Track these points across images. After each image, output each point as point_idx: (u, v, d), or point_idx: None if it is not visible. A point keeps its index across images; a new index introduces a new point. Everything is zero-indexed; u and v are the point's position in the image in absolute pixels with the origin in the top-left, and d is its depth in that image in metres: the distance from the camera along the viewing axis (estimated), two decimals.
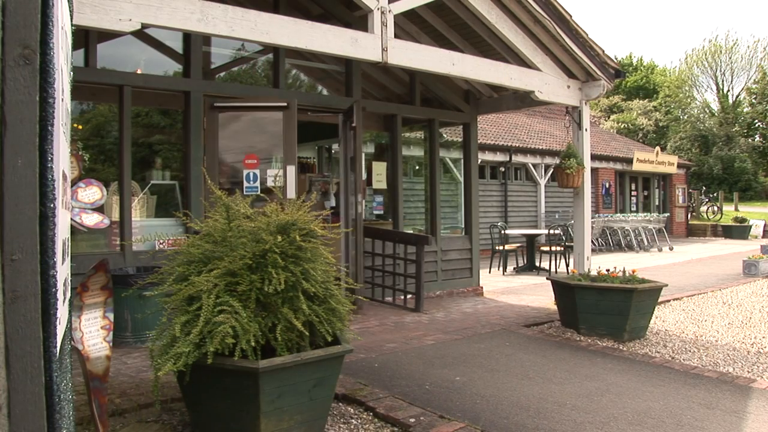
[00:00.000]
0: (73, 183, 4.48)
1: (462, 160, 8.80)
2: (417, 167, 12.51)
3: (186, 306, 2.97)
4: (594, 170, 18.01)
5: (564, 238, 11.51)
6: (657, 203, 21.88)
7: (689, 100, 40.65)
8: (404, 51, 5.14)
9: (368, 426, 3.46)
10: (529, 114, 20.39)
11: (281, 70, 6.71)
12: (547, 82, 6.36)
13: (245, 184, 6.04)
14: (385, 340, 5.49)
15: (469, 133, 8.53)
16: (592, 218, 14.84)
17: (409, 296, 7.17)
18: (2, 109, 1.05)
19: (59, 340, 1.26)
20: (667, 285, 6.00)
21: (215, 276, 2.95)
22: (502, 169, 16.09)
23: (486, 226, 12.20)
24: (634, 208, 20.57)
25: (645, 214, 18.28)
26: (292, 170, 6.01)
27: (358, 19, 6.64)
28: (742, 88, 39.97)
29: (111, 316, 2.87)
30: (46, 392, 1.13)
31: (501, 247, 11.28)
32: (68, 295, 1.54)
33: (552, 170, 12.22)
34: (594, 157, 17.17)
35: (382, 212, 9.16)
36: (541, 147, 16.83)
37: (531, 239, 11.66)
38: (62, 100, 1.35)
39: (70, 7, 1.65)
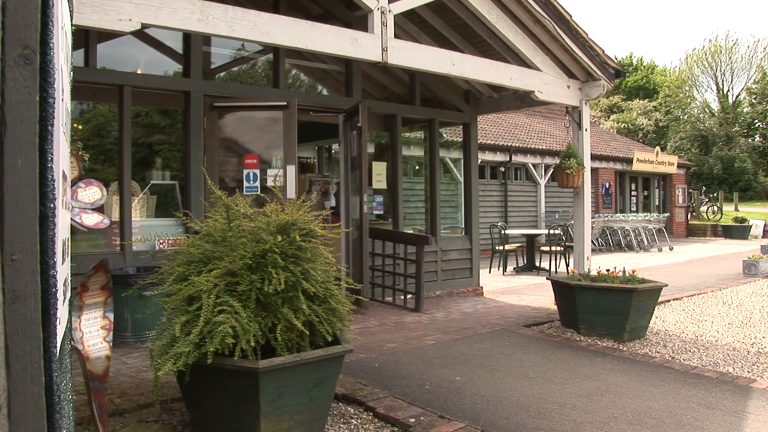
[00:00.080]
0: (73, 183, 4.48)
1: (462, 160, 8.81)
2: (417, 167, 12.51)
3: (186, 306, 2.97)
4: (594, 170, 18.01)
5: (564, 238, 11.51)
6: (657, 203, 21.87)
7: (689, 100, 40.66)
8: (404, 51, 5.15)
9: (368, 426, 3.46)
10: (529, 114, 20.39)
11: (281, 70, 6.71)
12: (547, 82, 6.36)
13: (245, 183, 6.04)
14: (385, 340, 5.49)
15: (469, 133, 8.53)
16: (592, 218, 14.84)
17: (409, 296, 7.17)
18: (2, 109, 1.05)
19: (59, 340, 1.26)
20: (667, 285, 6.00)
21: (215, 276, 2.95)
22: (502, 169, 16.09)
23: (486, 226, 12.20)
24: (634, 208, 20.56)
25: (645, 214, 18.27)
26: (292, 170, 6.01)
27: (358, 19, 6.64)
28: (742, 88, 40.01)
29: (111, 316, 2.87)
30: (46, 392, 1.13)
31: (501, 247, 11.27)
32: (68, 295, 1.54)
33: (552, 170, 12.21)
34: (594, 157, 17.17)
35: (382, 212, 9.16)
36: (541, 147, 16.82)
37: (531, 239, 11.66)
38: (62, 100, 1.35)
39: (70, 7, 1.65)
